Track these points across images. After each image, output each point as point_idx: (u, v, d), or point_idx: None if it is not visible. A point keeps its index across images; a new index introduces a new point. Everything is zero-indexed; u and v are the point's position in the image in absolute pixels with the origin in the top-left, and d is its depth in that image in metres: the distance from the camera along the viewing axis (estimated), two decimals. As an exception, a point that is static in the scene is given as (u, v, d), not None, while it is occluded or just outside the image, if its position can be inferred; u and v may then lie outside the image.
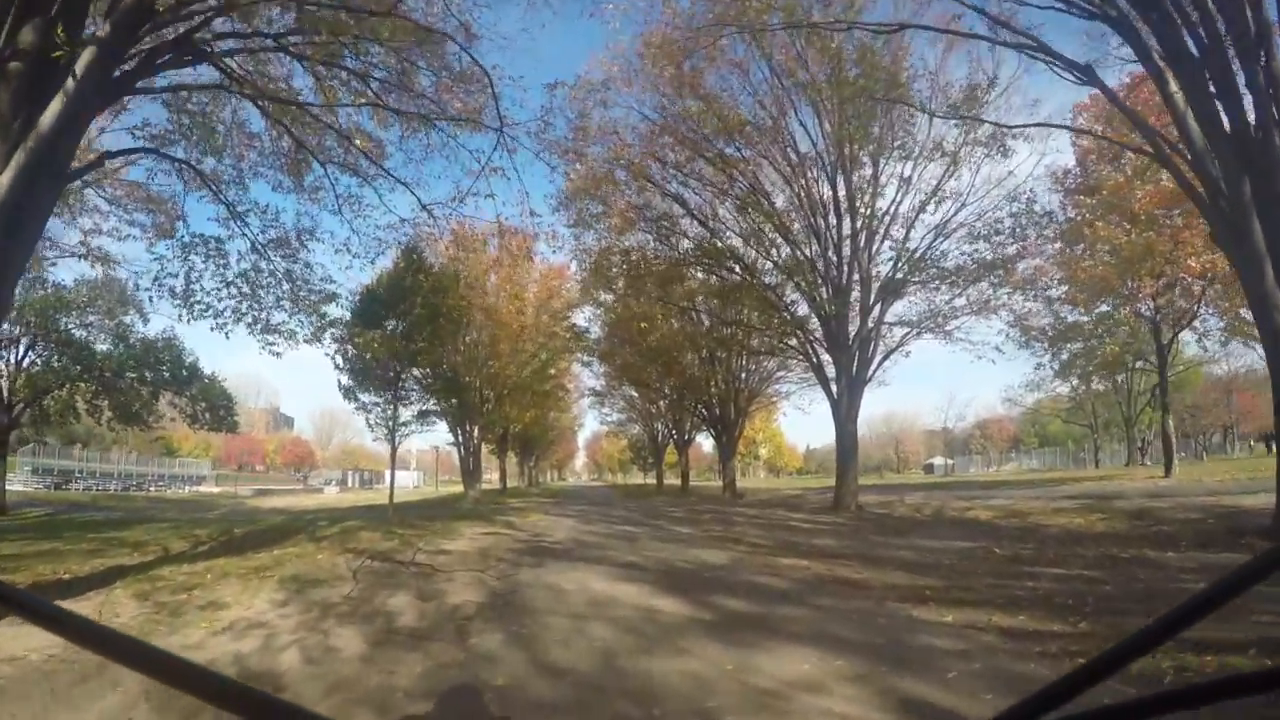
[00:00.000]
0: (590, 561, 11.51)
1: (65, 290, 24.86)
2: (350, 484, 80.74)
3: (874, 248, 23.65)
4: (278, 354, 17.26)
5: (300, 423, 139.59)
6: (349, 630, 6.91)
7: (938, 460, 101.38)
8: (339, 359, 20.65)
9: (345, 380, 20.98)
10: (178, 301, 15.82)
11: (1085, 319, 31.74)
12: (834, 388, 23.85)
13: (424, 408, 23.46)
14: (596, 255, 26.88)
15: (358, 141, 14.40)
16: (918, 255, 23.37)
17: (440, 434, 64.69)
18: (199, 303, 16.11)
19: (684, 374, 37.91)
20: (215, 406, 31.25)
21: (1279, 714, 1.89)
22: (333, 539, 14.76)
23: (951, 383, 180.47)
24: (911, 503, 24.56)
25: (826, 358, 24.97)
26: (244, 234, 15.41)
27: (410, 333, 20.32)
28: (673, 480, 66.74)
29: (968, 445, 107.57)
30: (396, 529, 16.32)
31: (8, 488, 39.80)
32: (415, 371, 22.66)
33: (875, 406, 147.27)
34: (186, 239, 15.36)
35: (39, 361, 26.38)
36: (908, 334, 25.29)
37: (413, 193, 14.47)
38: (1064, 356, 34.77)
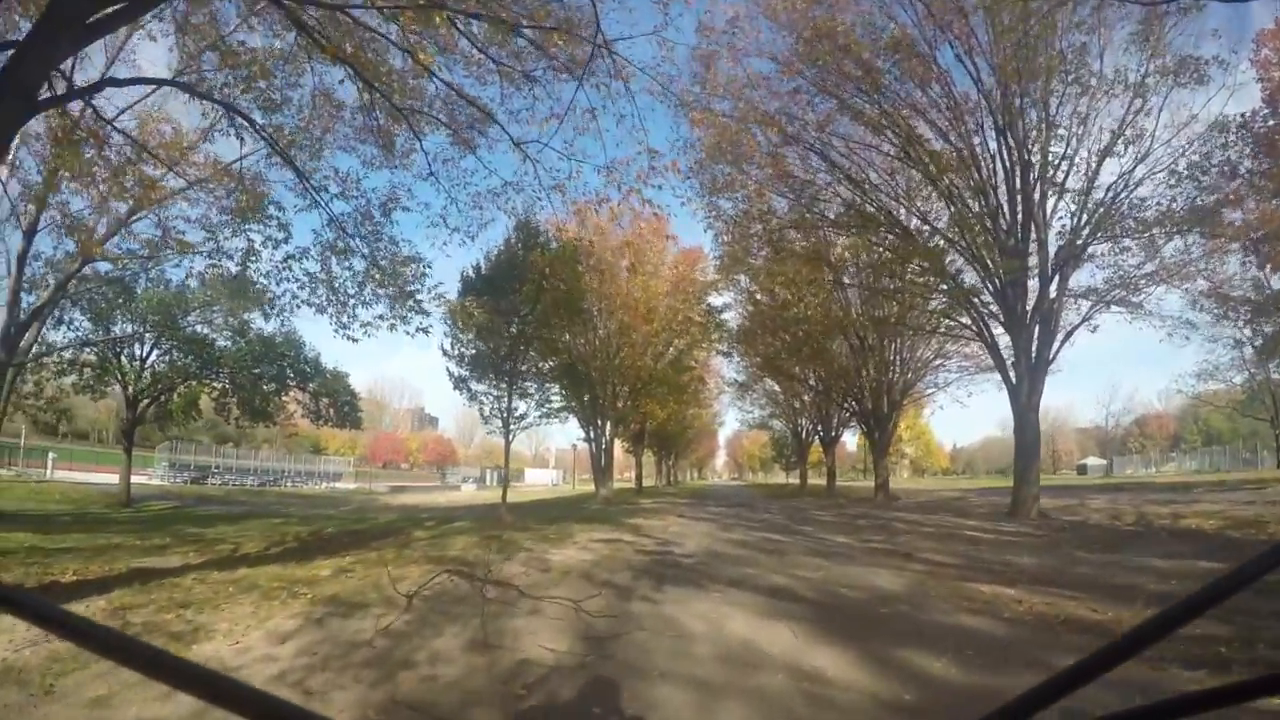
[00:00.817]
0: (727, 584, 8.77)
1: (186, 288, 24.59)
2: (489, 481, 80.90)
3: (1050, 204, 19.98)
4: (354, 339, 15.69)
5: (444, 422, 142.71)
6: (342, 696, 4.58)
7: (1091, 460, 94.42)
8: (447, 344, 19.02)
9: (455, 369, 19.24)
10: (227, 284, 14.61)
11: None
12: (1011, 372, 20.48)
13: (545, 400, 21.35)
14: (733, 224, 23.84)
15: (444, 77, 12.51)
16: (1105, 206, 19.44)
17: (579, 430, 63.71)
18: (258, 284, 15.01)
19: (831, 364, 34.35)
20: (339, 402, 30.79)
21: None
22: (425, 543, 12.96)
23: (1105, 377, 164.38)
24: (1098, 507, 20.74)
25: (1002, 337, 21.62)
26: (316, 202, 13.88)
27: (521, 313, 18.49)
28: (816, 480, 63.59)
29: (1125, 444, 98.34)
30: (501, 532, 14.34)
31: (149, 481, 42.65)
32: (533, 357, 20.69)
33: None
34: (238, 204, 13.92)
35: (163, 360, 26.46)
36: (1094, 306, 21.30)
37: (504, 130, 12.35)
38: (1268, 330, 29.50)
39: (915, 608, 7.48)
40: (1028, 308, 19.61)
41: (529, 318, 18.70)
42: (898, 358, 33.44)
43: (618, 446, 52.19)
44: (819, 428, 47.83)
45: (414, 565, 10.07)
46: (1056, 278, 19.77)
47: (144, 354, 25.51)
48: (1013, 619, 6.83)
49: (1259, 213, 20.43)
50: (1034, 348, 19.69)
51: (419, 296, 15.41)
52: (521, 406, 20.05)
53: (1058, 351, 20.12)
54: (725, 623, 6.68)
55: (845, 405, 39.53)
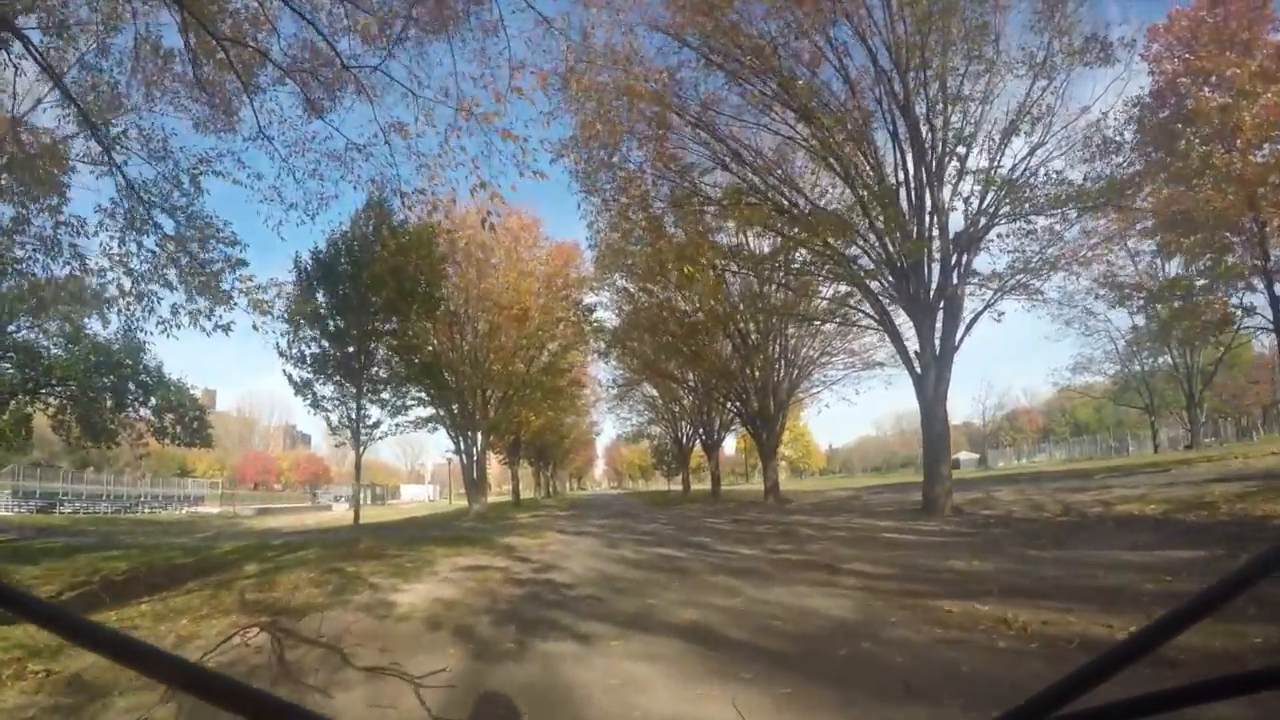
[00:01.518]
0: (625, 624, 6.65)
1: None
2: (362, 500, 76.28)
3: (950, 187, 18.97)
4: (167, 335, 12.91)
5: (317, 440, 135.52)
6: None
7: (963, 454, 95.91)
8: (284, 344, 15.98)
9: (294, 371, 16.19)
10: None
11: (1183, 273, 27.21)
12: (916, 363, 19.21)
13: (403, 406, 18.22)
14: (611, 208, 21.50)
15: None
16: (1008, 185, 18.38)
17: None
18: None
19: (714, 363, 32.93)
20: (185, 417, 26.99)
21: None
22: (253, 581, 10.37)
23: (971, 374, 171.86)
24: (1009, 499, 20.16)
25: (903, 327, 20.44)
26: (109, 164, 11.01)
27: (369, 306, 15.78)
28: (697, 485, 62.51)
29: (996, 438, 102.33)
30: (347, 564, 11.81)
31: None
32: (385, 357, 17.75)
33: (887, 405, 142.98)
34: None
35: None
36: (997, 292, 20.34)
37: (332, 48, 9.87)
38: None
39: (882, 643, 5.67)
40: (930, 292, 18.34)
41: (376, 310, 15.89)
42: (783, 357, 32.18)
43: (493, 458, 49.55)
44: (701, 432, 46.42)
45: (220, 616, 7.75)
46: (961, 260, 18.64)
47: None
48: (1015, 648, 5.27)
49: (1155, 198, 20.21)
50: (938, 336, 18.47)
51: (225, 285, 12.55)
52: (375, 413, 17.07)
53: (962, 339, 19.04)
54: (635, 696, 4.52)
55: (729, 406, 38.17)
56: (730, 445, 79.26)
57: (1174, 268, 27.65)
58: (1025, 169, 18.60)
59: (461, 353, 29.01)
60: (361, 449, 16.15)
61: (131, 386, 25.17)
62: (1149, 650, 0.60)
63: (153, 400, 25.94)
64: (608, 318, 34.71)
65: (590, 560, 12.35)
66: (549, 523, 24.39)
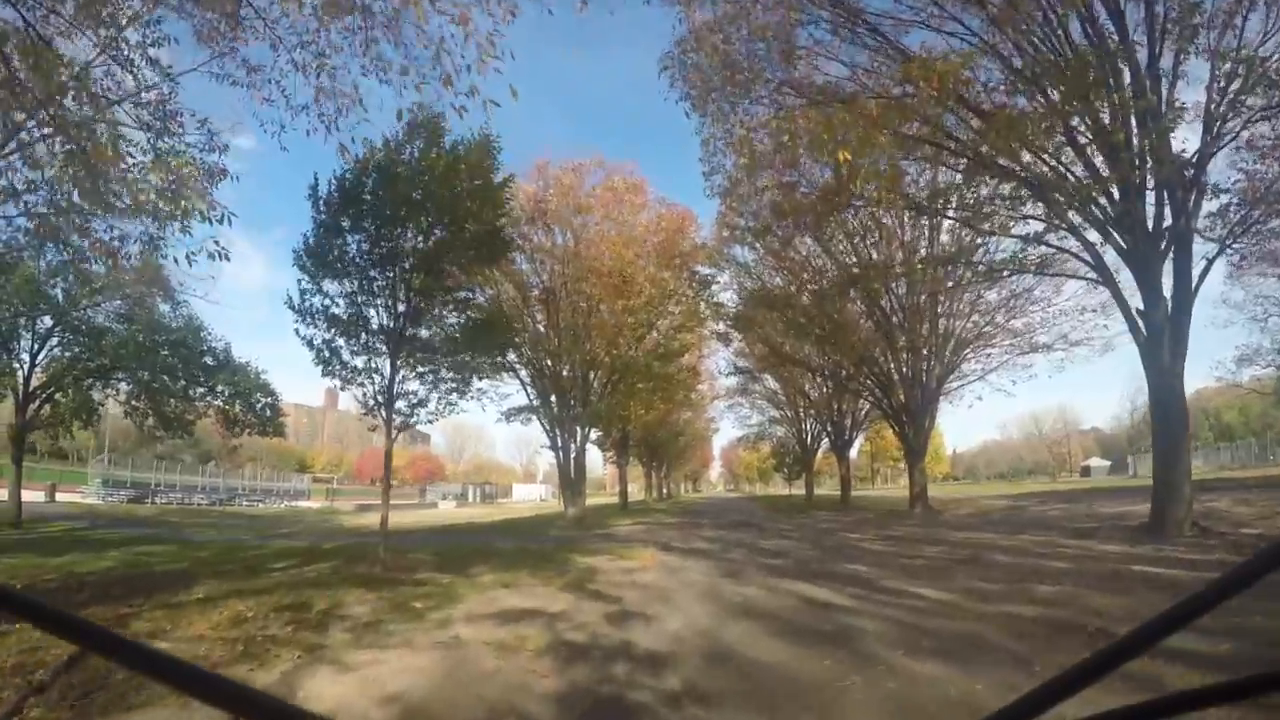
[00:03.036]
0: None
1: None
2: (471, 498, 74.75)
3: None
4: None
5: (436, 438, 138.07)
6: None
7: (1094, 461, 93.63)
8: (296, 296, 12.27)
9: (305, 331, 12.40)
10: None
11: None
12: (1141, 325, 14.09)
13: (463, 383, 14.04)
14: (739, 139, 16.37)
15: None
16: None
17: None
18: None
19: (853, 344, 27.65)
20: (254, 404, 24.54)
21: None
22: (194, 607, 6.73)
23: (1095, 377, 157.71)
24: (1236, 510, 15.94)
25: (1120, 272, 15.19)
26: None
27: (409, 246, 11.90)
28: (818, 491, 57.40)
29: (1133, 444, 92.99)
30: (326, 592, 8.04)
31: (81, 499, 39.69)
32: (437, 316, 13.71)
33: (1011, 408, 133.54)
34: None
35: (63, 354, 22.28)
36: (1234, 226, 14.93)
37: None
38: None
39: None
40: (1175, 222, 13.21)
41: (422, 252, 12.00)
42: (934, 336, 26.77)
43: (601, 457, 45.95)
44: (829, 430, 41.26)
45: None
46: (1199, 180, 13.43)
47: (33, 350, 21.58)
48: None
49: None
50: (1171, 284, 13.40)
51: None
52: (421, 390, 13.12)
53: (1197, 289, 13.72)
54: None
55: (865, 400, 33.03)
56: (854, 448, 73.15)
57: None
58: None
59: (557, 328, 25.24)
60: (395, 432, 12.15)
61: (196, 370, 23.09)
62: (1139, 653, 0.59)
63: (219, 385, 23.75)
64: (728, 299, 30.37)
65: (698, 607, 7.91)
66: (653, 533, 20.22)
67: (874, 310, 26.47)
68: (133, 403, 23.28)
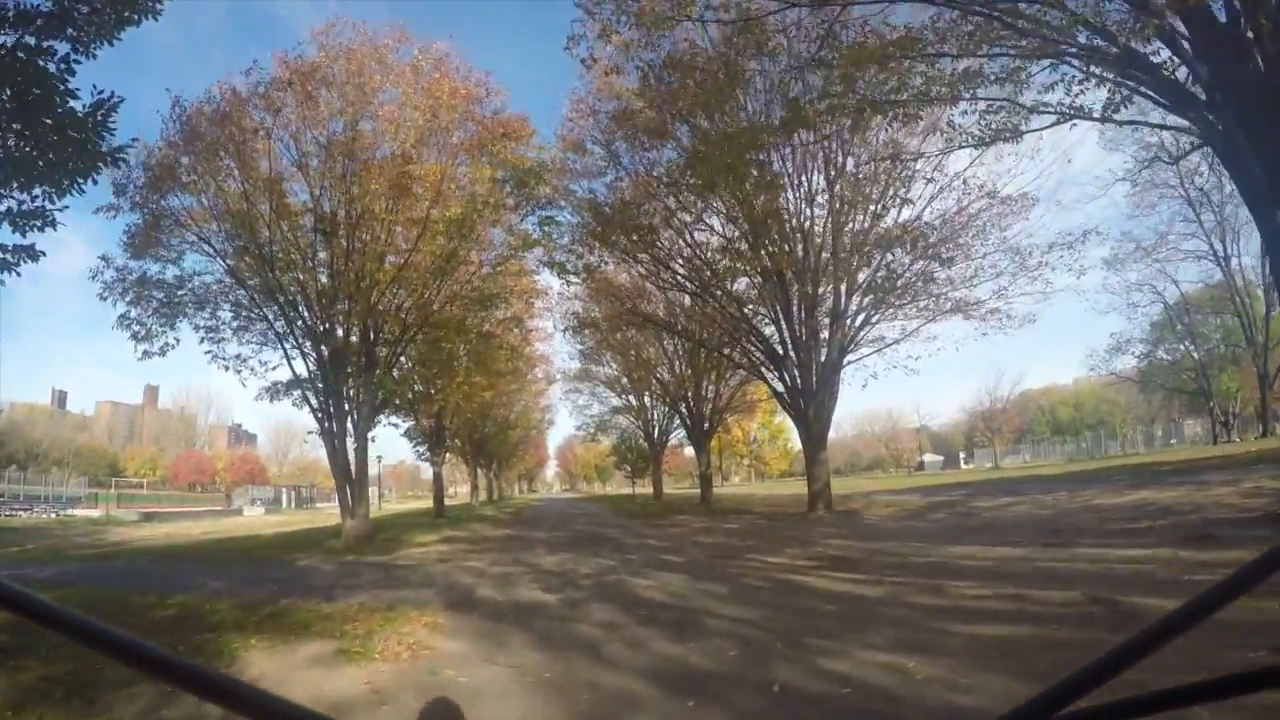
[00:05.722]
0: None
1: None
2: (285, 503, 64.34)
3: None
4: None
5: (263, 439, 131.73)
6: None
7: (929, 457, 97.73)
8: None
9: None
10: None
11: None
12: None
13: None
14: None
15: None
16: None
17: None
18: None
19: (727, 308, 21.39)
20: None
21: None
22: None
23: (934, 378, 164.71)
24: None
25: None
26: None
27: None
28: (670, 490, 52.23)
29: (970, 439, 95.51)
30: None
31: None
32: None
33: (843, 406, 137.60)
34: None
35: None
36: None
37: None
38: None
39: None
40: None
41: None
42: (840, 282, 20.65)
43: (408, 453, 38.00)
44: (686, 417, 35.21)
45: None
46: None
47: None
48: None
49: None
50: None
51: None
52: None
53: None
54: None
55: (752, 369, 26.01)
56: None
57: None
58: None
59: (330, 263, 17.36)
60: None
61: None
62: (1150, 651, 0.58)
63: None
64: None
65: None
66: (460, 561, 12.92)
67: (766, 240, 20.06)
68: None
